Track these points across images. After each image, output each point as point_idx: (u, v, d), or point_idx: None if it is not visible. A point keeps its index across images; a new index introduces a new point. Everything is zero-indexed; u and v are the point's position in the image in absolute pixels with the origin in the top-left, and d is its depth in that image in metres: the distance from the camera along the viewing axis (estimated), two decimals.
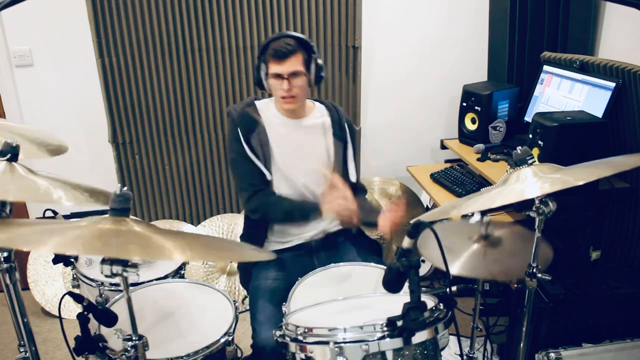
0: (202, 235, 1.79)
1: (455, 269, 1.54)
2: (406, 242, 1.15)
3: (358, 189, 1.93)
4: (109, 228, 1.09)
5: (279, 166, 1.84)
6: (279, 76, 1.74)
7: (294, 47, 1.73)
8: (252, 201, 1.82)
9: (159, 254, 1.15)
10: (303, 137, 1.89)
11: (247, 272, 1.90)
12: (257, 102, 1.90)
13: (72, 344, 1.38)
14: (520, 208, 1.49)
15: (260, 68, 1.79)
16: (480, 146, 2.45)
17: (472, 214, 1.74)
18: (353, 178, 1.92)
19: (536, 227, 1.35)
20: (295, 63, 1.73)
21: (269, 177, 1.82)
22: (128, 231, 1.10)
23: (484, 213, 2.02)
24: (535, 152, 1.93)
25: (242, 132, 1.81)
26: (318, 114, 1.93)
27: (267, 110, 1.88)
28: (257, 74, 1.80)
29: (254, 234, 1.92)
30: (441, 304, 1.25)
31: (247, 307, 1.77)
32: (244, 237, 2.00)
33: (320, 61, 1.80)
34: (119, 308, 1.51)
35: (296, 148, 1.87)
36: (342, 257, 1.83)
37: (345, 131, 1.93)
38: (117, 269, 1.11)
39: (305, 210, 1.76)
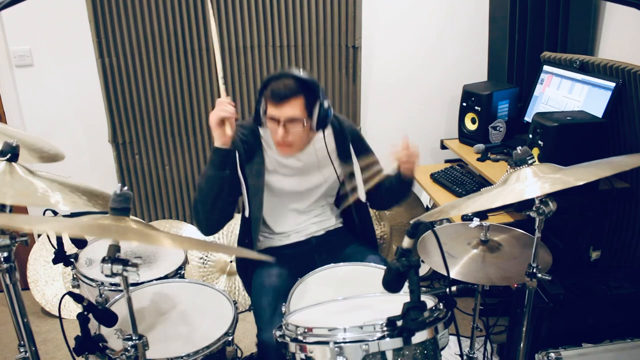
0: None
1: (454, 274, 1.54)
2: (406, 242, 1.15)
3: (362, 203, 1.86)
4: (109, 223, 1.09)
5: (272, 197, 1.81)
6: (275, 119, 1.61)
7: (294, 90, 1.57)
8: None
9: (155, 241, 1.14)
10: (305, 172, 1.80)
11: (249, 274, 1.89)
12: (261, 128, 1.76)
13: (72, 344, 1.38)
14: (521, 208, 1.50)
15: (260, 103, 1.64)
16: (480, 146, 2.46)
17: (472, 219, 1.75)
18: (363, 198, 1.81)
19: (536, 227, 1.35)
20: (293, 108, 1.58)
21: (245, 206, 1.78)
22: (127, 227, 1.10)
23: (484, 214, 2.03)
24: (535, 152, 1.93)
25: (240, 160, 1.72)
26: (320, 137, 1.77)
27: (270, 137, 1.75)
28: (257, 109, 1.65)
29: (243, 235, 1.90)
30: (441, 304, 1.25)
31: (248, 308, 1.77)
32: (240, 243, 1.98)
33: (327, 103, 1.63)
34: (119, 308, 1.51)
35: (293, 184, 1.80)
36: (343, 254, 1.83)
37: (350, 152, 1.81)
38: (117, 268, 1.11)
39: (211, 163, 1.61)
